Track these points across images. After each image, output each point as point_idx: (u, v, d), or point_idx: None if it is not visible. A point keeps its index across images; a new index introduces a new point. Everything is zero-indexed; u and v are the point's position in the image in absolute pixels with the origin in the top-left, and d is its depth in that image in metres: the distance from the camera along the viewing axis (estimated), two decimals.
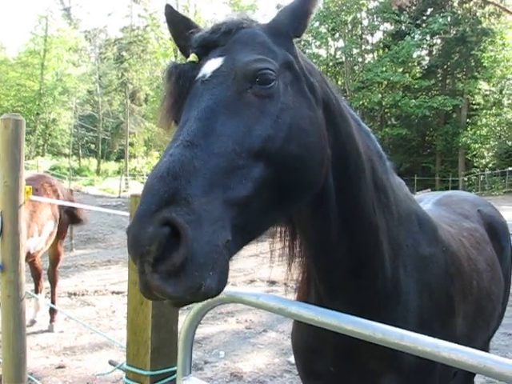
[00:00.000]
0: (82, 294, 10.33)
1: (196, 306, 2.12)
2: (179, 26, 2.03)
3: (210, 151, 1.52)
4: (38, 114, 60.40)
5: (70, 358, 7.00)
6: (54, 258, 8.49)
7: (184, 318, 2.13)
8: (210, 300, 2.09)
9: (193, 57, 1.81)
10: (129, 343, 2.41)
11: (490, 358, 1.38)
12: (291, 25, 1.90)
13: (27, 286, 9.18)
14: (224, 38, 1.79)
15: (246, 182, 1.55)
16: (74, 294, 10.28)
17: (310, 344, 2.46)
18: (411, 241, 2.37)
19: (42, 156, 58.81)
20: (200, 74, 1.73)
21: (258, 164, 1.60)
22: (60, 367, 6.67)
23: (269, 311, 1.99)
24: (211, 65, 1.74)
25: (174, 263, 1.32)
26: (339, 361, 2.33)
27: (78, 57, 70.60)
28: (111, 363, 2.58)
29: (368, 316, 1.75)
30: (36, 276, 8.42)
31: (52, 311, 8.07)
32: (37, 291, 8.44)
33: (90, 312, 9.08)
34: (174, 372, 2.33)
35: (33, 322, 8.22)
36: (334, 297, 2.19)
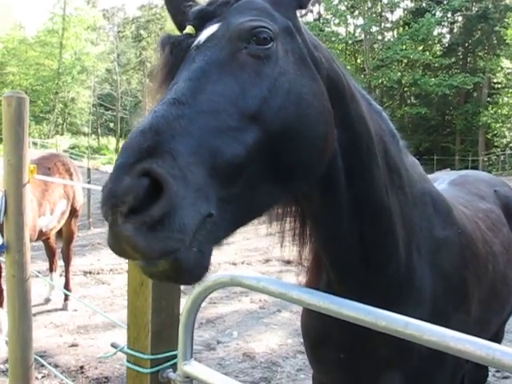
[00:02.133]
0: (98, 273, 10.38)
1: (197, 289, 2.06)
2: (177, 1, 1.95)
3: (198, 109, 1.41)
4: (56, 92, 60.71)
5: (82, 337, 7.04)
6: (68, 237, 8.50)
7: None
8: (210, 283, 2.03)
9: (189, 29, 1.72)
10: (129, 326, 2.35)
11: (499, 349, 1.29)
12: None
13: (43, 265, 9.31)
14: (221, 8, 1.71)
15: (237, 145, 1.43)
16: (90, 273, 10.34)
17: (319, 330, 2.40)
18: (425, 223, 2.29)
19: (61, 135, 59.28)
20: (195, 43, 1.65)
21: (251, 128, 1.49)
22: (73, 345, 6.72)
23: (269, 295, 1.92)
24: (206, 32, 1.66)
25: (151, 215, 1.20)
26: (349, 347, 2.27)
27: (96, 35, 70.67)
28: (113, 345, 2.52)
29: (381, 301, 1.68)
30: (50, 254, 8.48)
31: (66, 290, 8.11)
32: (51, 270, 8.51)
33: (105, 290, 9.12)
34: (175, 356, 2.27)
35: (47, 301, 8.30)
36: (345, 282, 2.12)
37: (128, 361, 2.35)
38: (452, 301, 2.29)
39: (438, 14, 46.75)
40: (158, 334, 2.28)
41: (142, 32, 68.85)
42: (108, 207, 1.23)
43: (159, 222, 1.20)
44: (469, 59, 51.60)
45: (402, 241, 2.12)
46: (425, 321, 1.48)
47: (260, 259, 11.94)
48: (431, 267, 2.24)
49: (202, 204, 1.30)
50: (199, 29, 1.70)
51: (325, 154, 1.76)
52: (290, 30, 1.72)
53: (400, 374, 2.20)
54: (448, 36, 52.96)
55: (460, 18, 50.44)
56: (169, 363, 2.31)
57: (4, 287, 5.47)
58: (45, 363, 4.41)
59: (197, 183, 1.30)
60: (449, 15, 49.25)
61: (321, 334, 2.40)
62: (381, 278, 2.11)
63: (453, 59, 49.32)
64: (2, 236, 3.43)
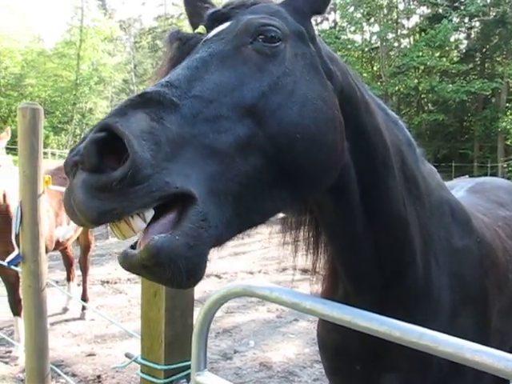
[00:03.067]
0: (115, 282, 10.40)
1: (210, 299, 2.04)
2: (195, 3, 1.96)
3: (190, 93, 1.37)
4: (74, 103, 61.24)
5: (100, 346, 7.05)
6: (85, 247, 8.54)
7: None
8: (223, 293, 2.02)
9: (201, 28, 1.72)
10: (143, 336, 2.34)
11: None
12: (305, 0, 1.79)
13: (61, 274, 9.35)
14: (236, 11, 1.70)
15: (226, 135, 1.38)
16: (107, 282, 10.36)
17: (336, 341, 2.36)
18: (443, 232, 2.24)
19: None
20: (203, 39, 1.64)
21: (244, 121, 1.44)
22: (90, 355, 6.74)
23: (282, 305, 1.90)
24: (216, 29, 1.66)
25: (112, 177, 1.15)
26: (366, 359, 2.23)
27: (113, 46, 71.28)
28: (128, 356, 2.51)
29: (398, 313, 1.63)
30: (68, 264, 8.53)
31: (84, 299, 8.14)
32: (69, 279, 8.55)
33: (122, 300, 9.14)
34: (189, 366, 2.25)
35: (65, 310, 8.34)
36: (361, 293, 2.08)
37: (142, 371, 2.34)
38: (471, 311, 2.24)
39: (455, 19, 46.40)
40: (172, 344, 2.27)
41: (158, 42, 69.28)
42: (69, 167, 1.23)
43: (119, 184, 1.15)
44: (486, 65, 51.11)
45: (419, 251, 2.08)
46: (443, 332, 1.44)
47: (277, 268, 11.88)
48: (450, 277, 2.19)
49: (174, 176, 1.22)
50: (211, 29, 1.70)
51: (333, 164, 1.71)
52: (302, 35, 1.71)
53: None
54: (465, 42, 52.49)
55: (477, 24, 49.95)
56: (182, 374, 2.30)
57: (22, 297, 5.51)
58: (61, 373, 4.41)
59: (169, 155, 1.24)
60: (466, 21, 48.80)
61: (337, 345, 2.36)
62: (398, 288, 2.08)
63: (470, 65, 48.91)
64: (18, 246, 3.44)
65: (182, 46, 1.66)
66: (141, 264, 1.22)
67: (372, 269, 2.03)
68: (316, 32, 1.83)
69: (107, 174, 1.16)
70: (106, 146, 1.19)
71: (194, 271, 1.25)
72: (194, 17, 1.94)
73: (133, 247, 1.28)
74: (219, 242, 1.38)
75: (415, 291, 2.10)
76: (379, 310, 1.63)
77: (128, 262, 1.26)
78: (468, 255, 2.30)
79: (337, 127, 1.68)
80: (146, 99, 1.30)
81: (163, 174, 1.20)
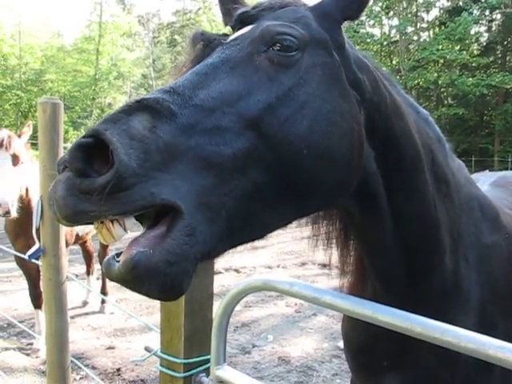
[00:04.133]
0: None
1: (230, 293, 2.04)
2: (227, 1, 1.93)
3: (191, 102, 1.33)
4: (93, 98, 61.58)
5: (119, 340, 7.12)
6: None
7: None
8: (243, 287, 2.02)
9: (227, 30, 1.72)
10: (162, 330, 2.35)
11: None
12: (337, 6, 1.71)
13: (81, 268, 9.43)
14: (263, 13, 1.67)
15: (223, 146, 1.33)
16: None
17: (362, 338, 2.34)
18: (473, 229, 2.19)
19: None
20: (225, 41, 1.62)
21: (247, 133, 1.38)
22: (110, 348, 6.81)
23: (302, 300, 1.89)
24: (237, 33, 1.63)
25: (91, 184, 1.14)
26: (393, 356, 2.21)
27: (131, 41, 71.54)
28: (147, 349, 2.52)
29: (427, 311, 1.61)
30: (87, 258, 8.60)
31: (103, 293, 8.20)
32: (88, 273, 8.63)
33: None
34: (208, 360, 2.26)
35: (85, 304, 8.42)
36: (390, 293, 2.05)
37: (161, 365, 2.35)
38: (500, 309, 2.19)
39: (476, 12, 45.82)
40: (191, 338, 2.27)
41: (176, 37, 69.48)
42: (60, 166, 1.23)
43: (98, 190, 1.14)
44: (508, 58, 50.44)
45: (448, 250, 2.04)
46: (472, 330, 1.42)
47: (296, 262, 11.88)
48: (479, 275, 2.15)
49: (161, 187, 1.19)
50: (237, 30, 1.68)
51: (344, 181, 1.64)
52: (325, 44, 1.64)
53: None
54: (486, 35, 51.84)
55: (498, 16, 49.37)
56: (202, 367, 2.30)
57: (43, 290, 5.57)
58: (81, 365, 4.46)
59: (159, 165, 1.21)
60: (486, 13, 48.21)
61: (364, 342, 2.34)
62: (426, 288, 2.04)
63: (491, 58, 48.29)
64: (39, 240, 3.47)
65: (205, 47, 1.63)
66: (119, 277, 1.21)
67: (400, 270, 1.99)
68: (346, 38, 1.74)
69: (91, 178, 1.16)
70: (96, 150, 1.18)
71: (173, 287, 1.21)
72: (227, 16, 1.91)
73: (118, 255, 1.25)
74: (211, 255, 1.33)
75: (444, 290, 2.06)
76: (408, 308, 1.60)
77: (108, 273, 1.25)
78: (497, 251, 2.25)
79: (353, 142, 1.60)
80: (143, 106, 1.27)
81: (149, 184, 1.17)
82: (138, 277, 1.17)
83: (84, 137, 1.19)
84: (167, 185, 1.20)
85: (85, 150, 1.16)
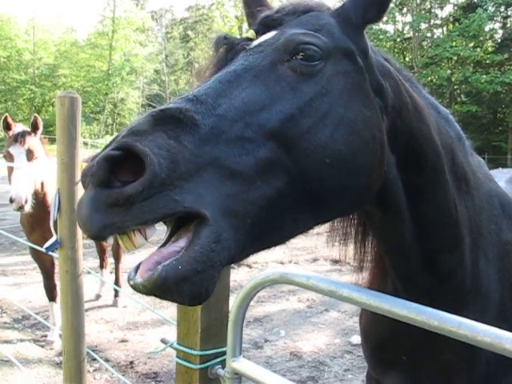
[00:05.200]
0: None
1: (246, 286, 2.07)
2: (252, 4, 1.93)
3: (214, 111, 1.34)
4: (106, 93, 61.93)
5: (132, 333, 7.17)
6: None
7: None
8: (260, 280, 2.04)
9: (250, 33, 1.69)
10: (179, 322, 2.37)
11: None
12: (356, 10, 1.71)
13: (93, 262, 9.50)
14: (287, 18, 1.67)
15: (247, 157, 1.34)
16: None
17: (381, 333, 2.35)
18: (493, 226, 2.17)
19: (111, 135, 60.35)
20: (248, 47, 1.61)
21: (269, 143, 1.38)
22: (123, 341, 6.86)
23: (319, 293, 1.90)
24: (261, 38, 1.63)
25: (123, 192, 1.14)
26: (412, 350, 2.21)
27: (144, 37, 71.78)
28: (163, 341, 2.55)
29: (446, 309, 1.61)
30: (101, 252, 8.66)
31: (117, 286, 8.27)
32: (102, 267, 8.69)
33: None
34: (224, 353, 2.29)
35: (98, 297, 8.48)
36: (409, 291, 2.04)
37: (178, 356, 2.38)
38: None
39: (490, 8, 45.43)
40: (208, 330, 2.30)
41: (189, 33, 69.64)
42: (84, 177, 1.22)
43: (129, 200, 1.14)
44: None
45: (468, 249, 2.04)
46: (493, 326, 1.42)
47: (308, 258, 11.88)
48: (499, 272, 2.14)
49: (185, 195, 1.20)
50: (260, 34, 1.67)
51: (366, 189, 1.64)
52: (349, 51, 1.64)
53: (465, 380, 2.13)
54: (500, 31, 51.40)
55: None
56: (218, 360, 2.32)
57: (57, 282, 5.62)
58: (96, 357, 4.50)
59: (184, 174, 1.21)
60: (501, 9, 47.82)
61: (382, 337, 2.34)
62: (446, 286, 2.04)
63: (505, 55, 47.84)
64: (56, 233, 3.51)
65: (228, 51, 1.63)
66: (145, 291, 1.20)
67: (420, 270, 1.99)
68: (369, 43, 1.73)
69: (119, 189, 1.15)
70: (120, 161, 1.18)
71: (201, 294, 1.22)
72: (251, 18, 1.91)
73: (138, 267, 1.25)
74: (234, 261, 1.35)
75: (464, 288, 2.05)
76: (428, 306, 1.61)
77: (133, 287, 1.24)
78: None
79: (375, 150, 1.61)
80: (167, 116, 1.27)
81: (174, 192, 1.18)
82: (167, 289, 1.17)
83: (113, 149, 1.18)
84: (191, 193, 1.21)
85: (112, 162, 1.17)
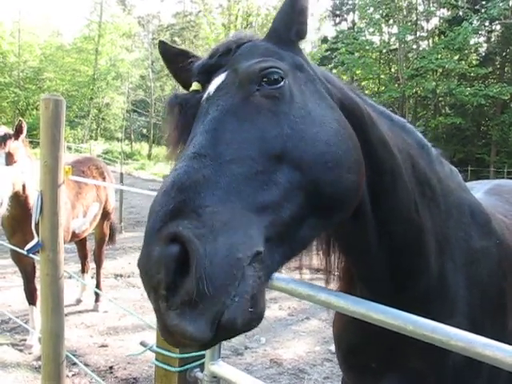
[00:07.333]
0: (128, 276, 10.47)
1: None
2: (177, 60, 1.96)
3: (220, 160, 1.37)
4: (91, 98, 61.60)
5: (112, 338, 7.13)
6: (100, 240, 8.64)
7: None
8: None
9: (195, 85, 1.72)
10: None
11: None
12: (289, 29, 1.78)
13: (75, 267, 9.44)
14: (224, 58, 1.71)
15: (269, 187, 1.40)
16: (120, 276, 10.44)
17: (352, 339, 2.39)
18: (461, 233, 2.22)
19: (95, 140, 60.15)
20: (204, 96, 1.64)
21: (281, 167, 1.45)
22: (103, 346, 6.82)
23: (297, 297, 1.93)
24: (214, 82, 1.65)
25: (187, 290, 1.16)
26: (381, 357, 2.25)
27: (131, 42, 71.73)
28: (143, 344, 2.56)
29: (414, 314, 1.65)
30: (83, 257, 8.63)
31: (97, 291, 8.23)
32: (83, 271, 8.65)
33: (135, 293, 9.19)
34: (203, 356, 2.30)
35: (79, 301, 8.44)
36: (376, 296, 2.03)
37: (157, 359, 2.38)
38: (488, 313, 2.22)
39: (475, 22, 45.92)
40: None
41: (176, 39, 69.46)
42: (147, 289, 1.25)
43: (197, 294, 1.16)
44: (506, 69, 50.54)
45: (434, 254, 2.08)
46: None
47: (290, 266, 11.86)
48: (467, 279, 2.18)
49: (243, 245, 1.25)
50: (206, 83, 1.69)
51: (361, 180, 1.71)
52: (299, 64, 1.72)
53: None
54: (485, 45, 52.02)
55: (498, 27, 49.52)
56: (197, 363, 2.34)
57: (38, 286, 5.59)
58: (76, 360, 4.49)
59: (230, 229, 1.25)
60: (486, 24, 48.33)
61: (353, 342, 2.38)
62: (412, 291, 2.08)
63: (489, 69, 48.38)
64: (38, 235, 3.50)
65: (184, 109, 1.67)
66: (217, 341, 1.26)
67: (386, 276, 2.04)
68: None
69: (186, 288, 1.17)
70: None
71: (260, 319, 1.28)
72: (181, 72, 1.93)
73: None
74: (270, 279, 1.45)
75: (430, 293, 2.09)
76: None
77: (205, 345, 1.29)
78: (486, 256, 2.27)
79: (355, 143, 1.70)
80: (183, 188, 1.29)
81: (232, 254, 1.22)
82: (226, 332, 1.23)
83: (161, 244, 1.21)
84: (248, 250, 1.26)
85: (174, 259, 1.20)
